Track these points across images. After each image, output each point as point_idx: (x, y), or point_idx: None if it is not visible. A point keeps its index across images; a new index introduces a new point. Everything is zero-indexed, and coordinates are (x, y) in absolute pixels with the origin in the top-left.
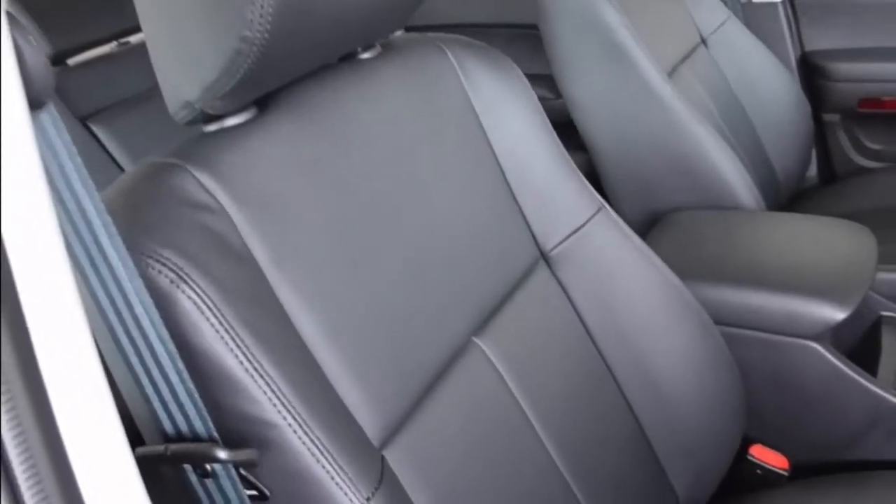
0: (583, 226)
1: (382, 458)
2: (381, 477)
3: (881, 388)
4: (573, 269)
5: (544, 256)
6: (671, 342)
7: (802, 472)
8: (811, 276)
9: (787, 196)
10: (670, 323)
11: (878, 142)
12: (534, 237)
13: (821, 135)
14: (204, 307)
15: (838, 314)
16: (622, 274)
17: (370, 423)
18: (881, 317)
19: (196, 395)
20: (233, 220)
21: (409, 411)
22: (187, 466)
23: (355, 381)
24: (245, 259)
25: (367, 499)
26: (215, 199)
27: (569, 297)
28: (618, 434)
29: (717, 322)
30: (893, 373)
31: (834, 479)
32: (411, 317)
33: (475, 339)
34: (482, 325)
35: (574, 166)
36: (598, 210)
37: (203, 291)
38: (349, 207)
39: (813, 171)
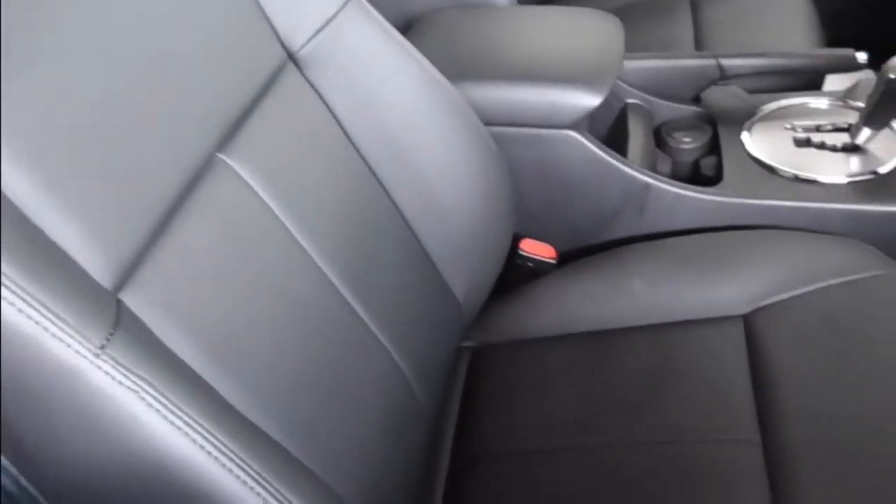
0: (332, 18)
1: (119, 301)
2: (116, 321)
3: (632, 167)
4: (327, 69)
5: (292, 58)
6: (440, 143)
7: (569, 258)
8: (567, 66)
9: None
10: (438, 123)
11: None
12: (278, 37)
13: None
14: None
15: (593, 100)
16: (382, 72)
17: (96, 262)
18: (627, 104)
19: None
20: None
21: (146, 245)
22: None
23: (69, 214)
24: None
25: (101, 347)
26: None
27: (325, 101)
28: (391, 241)
29: (483, 122)
30: (639, 155)
31: (595, 259)
32: (140, 136)
33: (220, 156)
34: (227, 139)
35: None
36: (348, 1)
37: None
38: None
39: None
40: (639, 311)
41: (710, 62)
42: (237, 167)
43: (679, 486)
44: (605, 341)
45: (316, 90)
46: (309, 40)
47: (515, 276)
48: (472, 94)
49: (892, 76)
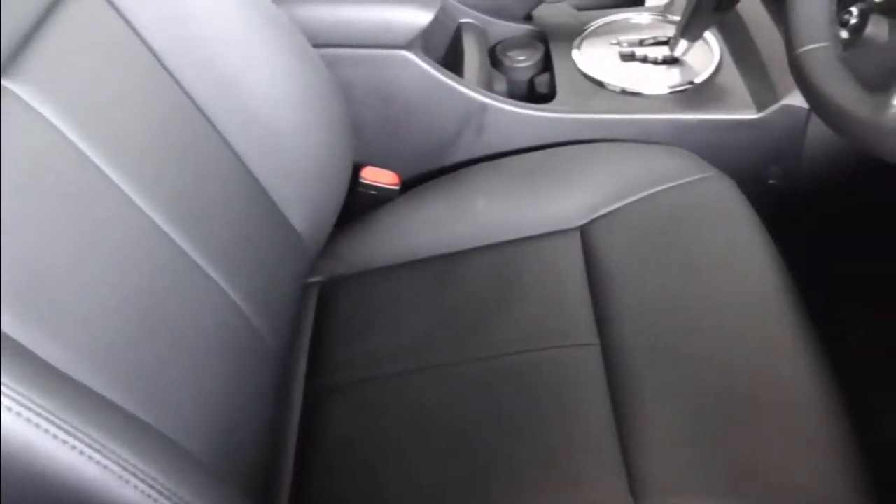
0: None
1: None
2: None
3: (469, 87)
4: None
5: None
6: (264, 65)
7: (412, 184)
8: None
9: None
10: (261, 43)
11: None
12: None
13: None
14: None
15: (424, 17)
16: None
17: None
18: (461, 24)
19: None
20: None
21: None
22: None
23: None
24: None
25: None
26: None
27: (125, 20)
28: (219, 174)
29: (312, 45)
30: (475, 75)
31: (437, 182)
32: None
33: (5, 84)
34: (9, 63)
35: None
36: None
37: None
38: None
39: None
40: (482, 232)
41: None
42: (27, 96)
43: (524, 392)
44: (450, 264)
45: (115, 7)
46: None
47: (359, 205)
48: (298, 14)
49: None
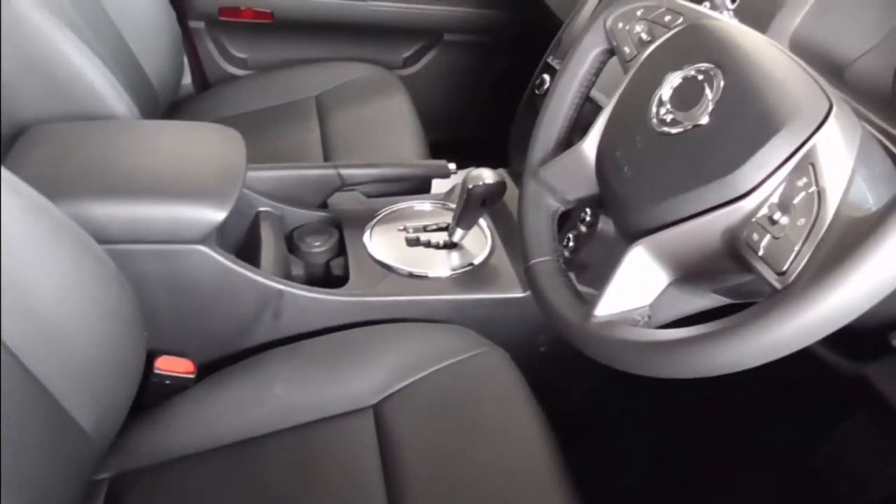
0: None
1: None
2: None
3: (265, 277)
4: None
5: None
6: (48, 272)
7: (209, 370)
8: (190, 182)
9: (166, 105)
10: (44, 251)
11: (243, 50)
12: None
13: (190, 43)
14: None
15: (219, 214)
16: None
17: None
18: (259, 212)
19: None
20: None
21: None
22: None
23: None
24: None
25: None
26: None
27: None
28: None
29: (103, 241)
30: (272, 262)
31: (235, 368)
32: None
33: None
34: None
35: None
36: None
37: None
38: None
39: (188, 79)
40: (280, 415)
41: (332, 172)
42: None
43: None
44: (248, 450)
45: None
46: None
47: (154, 395)
48: (91, 212)
49: (470, 186)
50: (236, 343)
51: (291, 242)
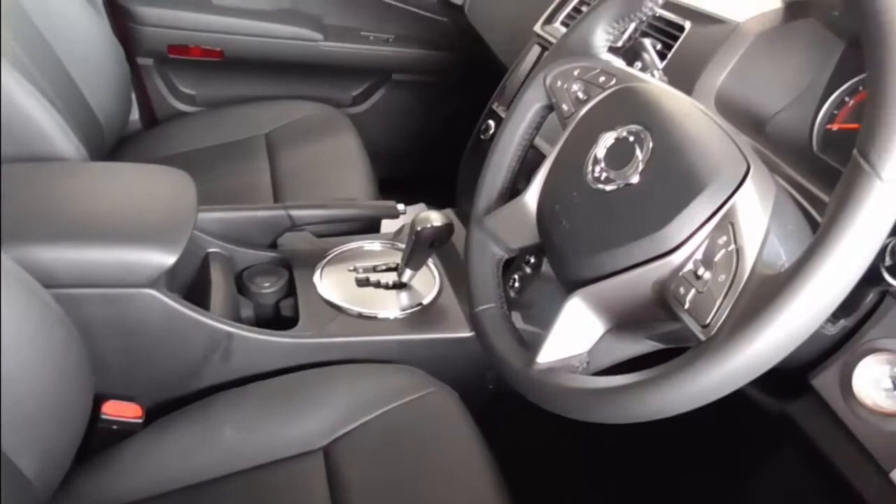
0: None
1: None
2: None
3: (214, 319)
4: None
5: None
6: None
7: (158, 414)
8: (140, 225)
9: (112, 142)
10: None
11: (191, 87)
12: None
13: (138, 79)
14: None
15: (168, 259)
16: None
17: None
18: (208, 253)
19: None
20: None
21: None
22: None
23: None
24: None
25: None
26: None
27: None
28: None
29: (49, 285)
30: (221, 304)
31: (184, 412)
32: None
33: None
34: None
35: None
36: None
37: None
38: None
39: (136, 115)
40: (230, 459)
41: (282, 213)
42: None
43: None
44: (199, 495)
45: None
46: None
47: (100, 440)
48: (38, 256)
49: (418, 228)
50: (185, 386)
51: (241, 283)
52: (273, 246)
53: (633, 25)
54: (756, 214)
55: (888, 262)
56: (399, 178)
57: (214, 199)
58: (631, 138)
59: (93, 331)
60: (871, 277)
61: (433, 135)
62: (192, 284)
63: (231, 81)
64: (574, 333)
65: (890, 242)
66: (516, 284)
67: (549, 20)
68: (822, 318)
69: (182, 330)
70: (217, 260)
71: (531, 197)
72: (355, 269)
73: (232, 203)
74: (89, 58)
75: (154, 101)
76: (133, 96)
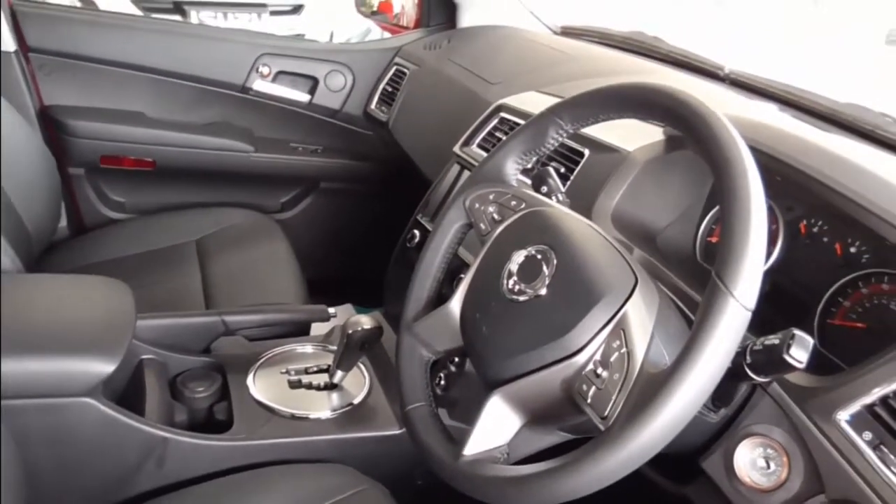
0: None
1: None
2: None
3: (149, 425)
4: None
5: None
6: None
7: None
8: (78, 335)
9: (39, 250)
10: None
11: (122, 195)
12: None
13: (68, 188)
14: None
15: (107, 367)
16: None
17: None
18: (142, 360)
19: None
20: None
21: None
22: None
23: None
24: None
25: None
26: None
27: None
28: None
29: None
30: (156, 409)
31: None
32: None
33: None
34: None
35: None
36: None
37: None
38: None
39: (64, 222)
40: None
41: (216, 319)
42: None
43: None
44: None
45: None
46: None
47: None
48: None
49: (349, 332)
50: (118, 493)
51: (175, 388)
52: (206, 351)
53: (538, 156)
54: (643, 321)
55: (748, 360)
56: (327, 280)
57: (145, 306)
58: (539, 256)
59: (27, 441)
60: (739, 373)
61: (359, 239)
62: (125, 391)
63: (161, 189)
64: (495, 428)
65: (748, 343)
66: (442, 382)
67: (467, 143)
68: (695, 409)
69: (117, 437)
70: (151, 366)
71: (455, 304)
72: (288, 372)
73: (162, 309)
74: (21, 171)
75: (83, 209)
76: (63, 204)
